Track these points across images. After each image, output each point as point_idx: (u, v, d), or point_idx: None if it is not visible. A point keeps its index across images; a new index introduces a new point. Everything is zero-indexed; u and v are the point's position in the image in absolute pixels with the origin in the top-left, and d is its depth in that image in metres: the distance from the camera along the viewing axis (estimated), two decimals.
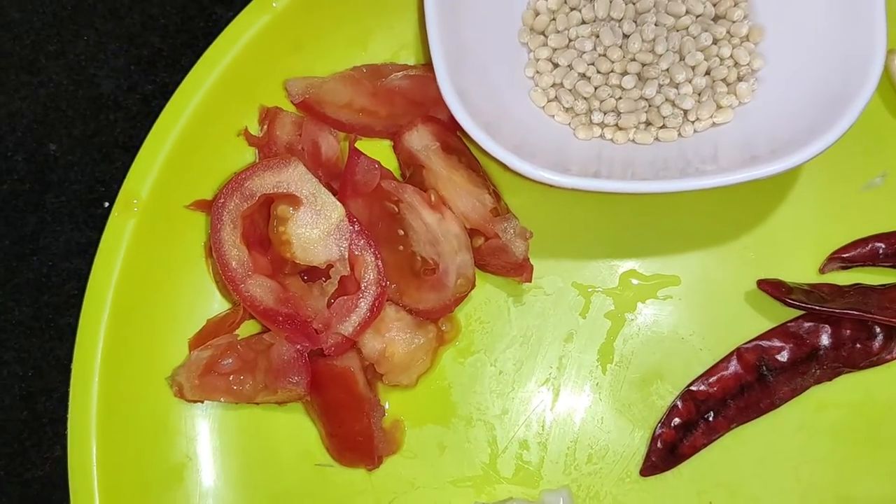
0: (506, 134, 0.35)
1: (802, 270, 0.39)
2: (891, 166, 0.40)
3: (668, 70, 0.38)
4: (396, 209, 0.37)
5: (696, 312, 0.39)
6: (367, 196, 0.37)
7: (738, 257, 0.39)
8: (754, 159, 0.35)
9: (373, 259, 0.35)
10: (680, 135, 0.38)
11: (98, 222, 0.40)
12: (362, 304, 0.35)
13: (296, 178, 0.35)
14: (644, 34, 0.38)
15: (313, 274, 0.36)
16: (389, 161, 0.40)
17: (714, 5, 0.39)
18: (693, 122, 0.38)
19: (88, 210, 0.42)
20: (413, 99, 0.39)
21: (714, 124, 0.38)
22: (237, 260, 0.34)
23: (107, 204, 0.42)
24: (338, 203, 0.35)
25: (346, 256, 0.35)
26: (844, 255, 0.38)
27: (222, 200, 0.35)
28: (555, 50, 0.39)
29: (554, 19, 0.39)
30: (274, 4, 0.39)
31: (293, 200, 0.35)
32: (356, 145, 0.39)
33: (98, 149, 0.43)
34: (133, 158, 0.39)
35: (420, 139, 0.37)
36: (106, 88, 0.43)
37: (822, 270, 0.39)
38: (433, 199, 0.36)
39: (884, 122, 0.40)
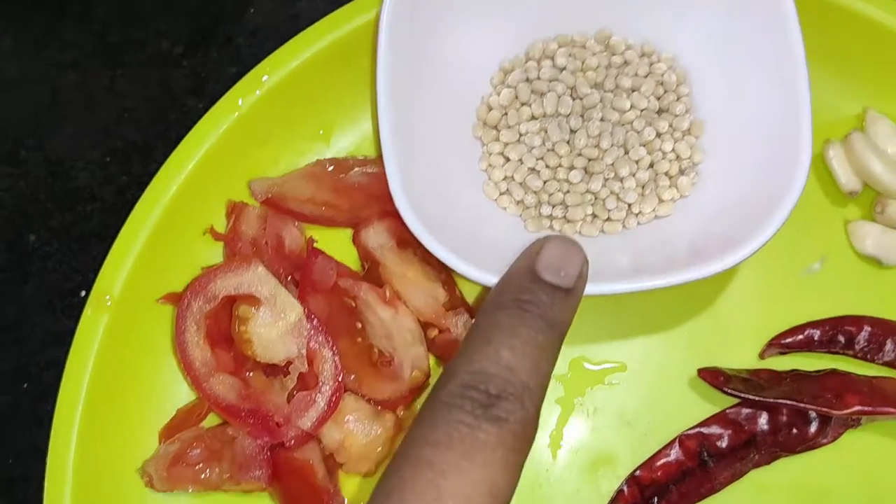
0: (454, 234, 0.37)
1: (744, 355, 0.41)
2: (830, 251, 0.42)
3: (612, 164, 0.40)
4: (354, 304, 0.39)
5: (643, 398, 0.40)
6: (325, 292, 0.39)
7: (684, 342, 0.41)
8: (695, 256, 0.36)
9: (330, 355, 0.37)
10: (624, 227, 0.40)
11: (75, 311, 0.42)
12: (320, 399, 0.37)
13: (256, 279, 0.37)
14: (590, 130, 0.40)
15: (274, 370, 0.38)
16: (352, 249, 0.42)
17: (658, 99, 0.41)
18: (637, 215, 0.40)
19: (66, 300, 0.44)
20: (372, 193, 0.41)
21: (657, 217, 0.40)
22: (200, 360, 0.36)
23: (83, 293, 0.44)
24: (296, 303, 0.37)
25: (305, 353, 0.37)
26: (782, 342, 0.40)
27: (185, 303, 0.37)
28: (506, 144, 0.41)
29: (506, 114, 0.41)
30: (240, 102, 0.41)
31: (254, 301, 0.37)
32: (317, 240, 0.41)
33: (75, 239, 0.45)
34: (108, 249, 0.41)
35: (375, 237, 0.39)
36: (83, 181, 0.45)
37: (762, 356, 0.40)
38: (388, 295, 0.38)
39: (822, 207, 0.42)
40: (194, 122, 0.42)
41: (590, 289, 0.36)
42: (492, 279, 0.35)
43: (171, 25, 0.47)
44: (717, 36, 0.40)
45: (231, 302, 0.38)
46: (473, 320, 0.32)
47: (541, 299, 0.30)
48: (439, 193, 0.39)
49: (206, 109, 0.42)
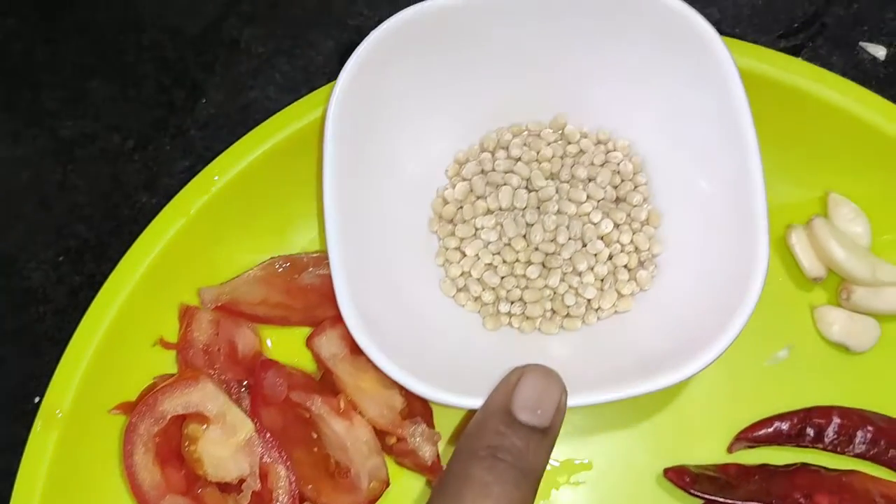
0: (408, 343, 0.36)
1: (712, 449, 0.40)
2: (797, 338, 0.41)
3: (570, 259, 0.39)
4: (308, 415, 0.38)
5: (609, 498, 0.39)
6: (278, 404, 0.38)
7: (650, 438, 0.40)
8: (660, 361, 0.35)
9: (284, 472, 0.36)
10: (584, 323, 0.39)
11: (29, 419, 0.41)
12: None
13: (204, 397, 0.36)
14: (545, 224, 0.39)
15: (228, 486, 0.37)
16: None
17: (615, 188, 0.40)
18: (596, 311, 0.39)
19: (20, 406, 0.43)
20: (326, 293, 0.40)
21: (617, 312, 0.39)
22: (149, 483, 0.35)
23: (37, 399, 0.43)
24: (247, 419, 0.36)
25: (257, 471, 0.36)
26: (750, 436, 0.39)
27: (132, 425, 0.36)
28: (462, 239, 0.40)
29: (461, 208, 0.41)
30: (192, 211, 0.40)
31: (203, 419, 0.36)
32: (271, 342, 0.40)
33: (28, 343, 0.44)
34: (61, 352, 0.40)
35: (327, 345, 0.38)
36: (35, 281, 0.44)
37: (730, 450, 0.39)
38: (342, 406, 0.37)
39: (788, 293, 0.41)
40: (148, 219, 0.41)
41: None
42: (447, 397, 0.34)
43: (123, 117, 0.46)
44: (672, 123, 0.39)
45: (181, 420, 0.37)
46: (447, 465, 0.31)
47: (516, 446, 0.29)
48: (392, 297, 0.38)
49: (159, 205, 0.41)
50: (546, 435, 0.31)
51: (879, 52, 0.44)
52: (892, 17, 0.45)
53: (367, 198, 0.38)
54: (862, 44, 0.44)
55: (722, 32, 0.44)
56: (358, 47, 0.36)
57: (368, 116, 0.38)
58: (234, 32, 0.46)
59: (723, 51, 0.36)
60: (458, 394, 0.34)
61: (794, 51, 0.45)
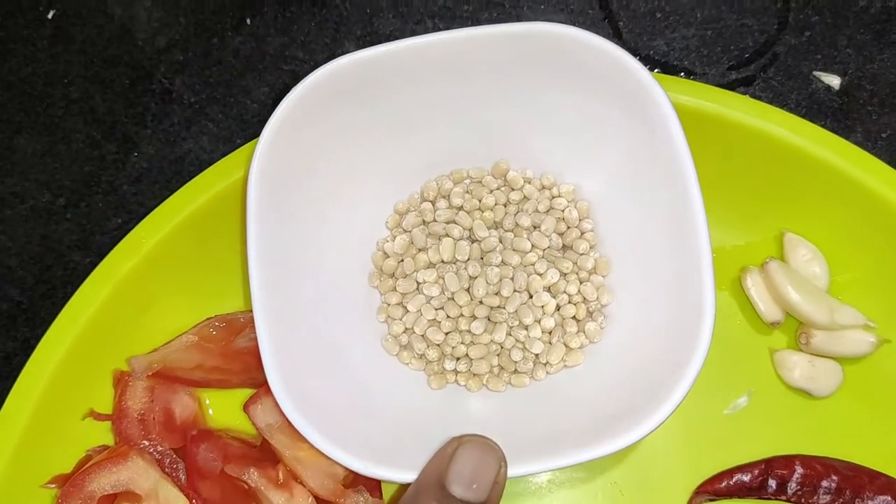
0: (343, 412, 0.34)
1: (673, 503, 0.38)
2: (756, 385, 0.39)
3: (516, 312, 0.38)
4: (247, 486, 0.36)
5: None
6: (215, 477, 0.36)
7: (608, 493, 0.38)
8: (612, 421, 0.33)
9: None
10: (533, 378, 0.38)
11: None
12: None
13: (134, 474, 0.35)
14: (489, 277, 0.38)
15: None
16: None
17: (560, 235, 0.39)
18: (545, 365, 0.38)
19: None
20: None
21: (566, 366, 0.38)
22: None
23: None
24: (180, 496, 0.35)
25: None
26: (711, 489, 0.37)
27: None
28: (404, 295, 0.39)
29: (402, 262, 0.39)
30: (120, 275, 0.39)
31: (134, 497, 0.34)
32: (210, 407, 0.38)
33: None
34: None
35: (262, 415, 0.36)
36: None
37: None
38: (281, 478, 0.35)
39: (746, 337, 0.40)
40: (81, 279, 0.39)
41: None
42: (383, 471, 0.33)
43: (52, 174, 0.44)
44: (615, 168, 0.38)
45: (112, 499, 0.35)
46: None
47: None
48: (329, 360, 0.36)
49: (92, 265, 0.39)
50: None
51: (834, 81, 0.43)
52: (845, 44, 0.43)
53: (299, 256, 0.36)
54: (816, 73, 0.43)
55: (669, 66, 0.43)
56: (280, 104, 0.35)
57: (296, 173, 0.36)
58: (166, 82, 0.44)
59: (658, 92, 0.34)
60: (397, 467, 0.33)
61: (745, 82, 0.43)
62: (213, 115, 0.44)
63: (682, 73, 0.43)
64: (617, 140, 0.37)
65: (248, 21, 0.45)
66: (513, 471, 0.32)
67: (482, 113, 0.38)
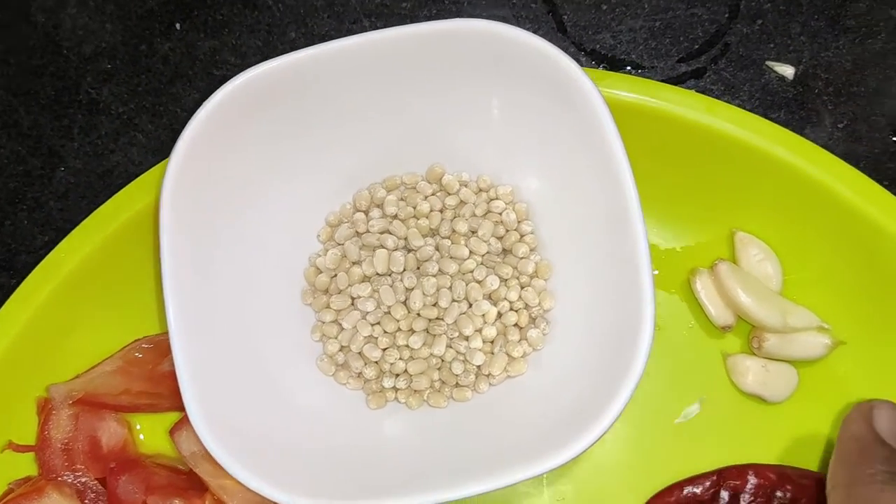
0: (275, 441, 0.33)
1: None
2: (708, 392, 0.38)
3: (455, 323, 0.36)
4: None
5: None
6: None
7: None
8: (551, 432, 0.32)
9: None
10: (476, 391, 0.36)
11: None
12: None
13: None
14: (425, 288, 0.36)
15: None
16: None
17: (500, 240, 0.37)
18: (487, 377, 0.36)
19: None
20: None
21: (509, 376, 0.36)
22: None
23: None
24: None
25: None
26: (661, 503, 0.36)
27: None
28: (339, 311, 0.37)
29: (335, 277, 0.37)
30: (41, 298, 0.37)
31: None
32: (141, 431, 0.37)
33: None
34: None
35: (187, 443, 0.35)
36: None
37: None
38: None
39: (698, 343, 0.38)
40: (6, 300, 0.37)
41: (443, 495, 0.31)
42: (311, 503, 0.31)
43: None
44: (551, 167, 0.36)
45: None
46: (836, 494, 0.31)
47: None
48: (258, 386, 0.34)
49: (18, 286, 0.38)
50: None
51: (787, 71, 0.41)
52: (799, 31, 0.41)
53: (221, 277, 0.35)
54: (769, 63, 0.41)
55: (616, 61, 0.42)
56: (193, 117, 0.33)
57: (213, 189, 0.34)
58: (93, 92, 0.43)
59: (589, 89, 0.32)
60: (333, 496, 0.31)
61: (695, 75, 0.41)
62: (142, 126, 0.42)
63: (629, 68, 0.42)
64: (553, 139, 0.35)
65: (178, 26, 0.43)
66: (458, 492, 0.31)
67: (413, 115, 0.37)
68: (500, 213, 0.37)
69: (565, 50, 0.41)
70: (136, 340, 0.38)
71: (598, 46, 0.42)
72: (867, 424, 0.31)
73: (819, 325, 0.36)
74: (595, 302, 0.34)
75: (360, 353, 0.36)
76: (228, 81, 0.33)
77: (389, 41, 0.34)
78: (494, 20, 0.34)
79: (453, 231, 0.37)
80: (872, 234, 0.35)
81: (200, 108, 0.33)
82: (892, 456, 0.30)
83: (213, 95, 0.33)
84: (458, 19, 0.34)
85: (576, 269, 0.36)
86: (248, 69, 0.33)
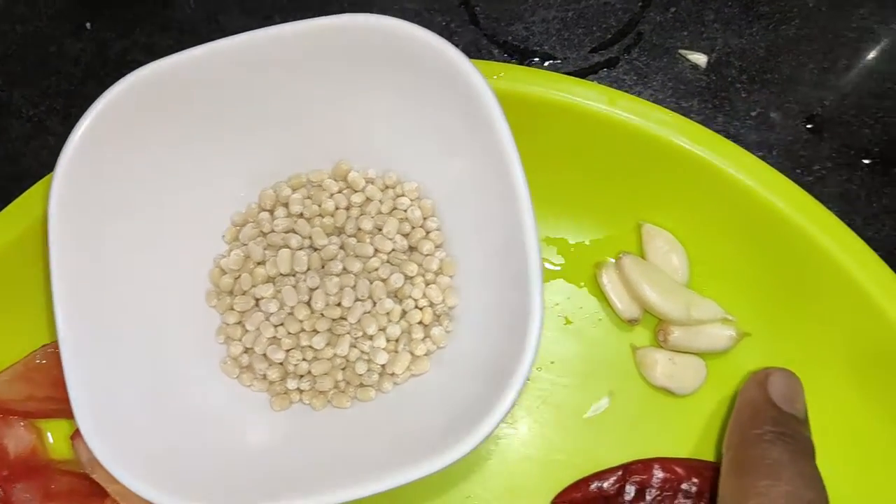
0: (172, 451, 0.33)
1: None
2: (617, 384, 0.37)
3: (359, 322, 0.36)
4: None
5: None
6: None
7: None
8: (448, 427, 0.32)
9: None
10: (380, 391, 0.36)
11: None
12: None
13: None
14: (328, 288, 0.36)
15: None
16: None
17: (406, 237, 0.37)
18: (392, 376, 0.36)
19: None
20: None
21: (413, 375, 0.36)
22: None
23: None
24: None
25: None
26: (567, 499, 0.36)
27: None
28: (242, 313, 0.37)
29: (239, 277, 0.37)
30: None
31: None
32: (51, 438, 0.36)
33: None
34: None
35: (85, 449, 0.34)
36: None
37: None
38: None
39: (608, 336, 0.38)
40: None
41: (344, 495, 0.31)
42: None
43: None
44: (451, 163, 0.35)
45: None
46: (727, 455, 0.32)
47: (796, 430, 0.32)
48: (155, 390, 0.34)
49: None
50: (806, 425, 0.32)
51: (700, 59, 0.41)
52: (712, 19, 0.41)
53: (120, 279, 0.34)
54: (682, 51, 0.41)
55: (529, 52, 0.41)
56: (79, 122, 0.32)
57: (108, 194, 0.34)
58: (3, 95, 0.42)
59: (478, 83, 0.32)
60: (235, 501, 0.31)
61: (608, 65, 0.41)
62: (53, 128, 0.42)
63: (540, 59, 0.41)
64: (451, 134, 0.35)
65: (89, 26, 0.43)
66: (359, 491, 0.30)
67: (316, 112, 0.36)
68: (406, 210, 0.37)
69: (477, 42, 0.41)
70: (43, 346, 0.38)
71: (510, 38, 0.41)
72: (761, 389, 0.33)
73: (724, 317, 0.36)
74: (493, 296, 0.34)
75: (263, 354, 0.36)
76: (112, 86, 0.32)
77: (280, 38, 0.33)
78: (406, 13, 0.33)
79: (359, 229, 0.37)
80: (777, 224, 0.35)
81: (85, 114, 0.32)
82: (781, 416, 0.32)
83: (95, 102, 0.33)
84: (346, 14, 0.33)
85: (478, 265, 0.36)
86: (133, 71, 0.33)
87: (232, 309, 0.37)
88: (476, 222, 0.35)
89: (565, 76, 0.36)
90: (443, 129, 0.35)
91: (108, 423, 0.31)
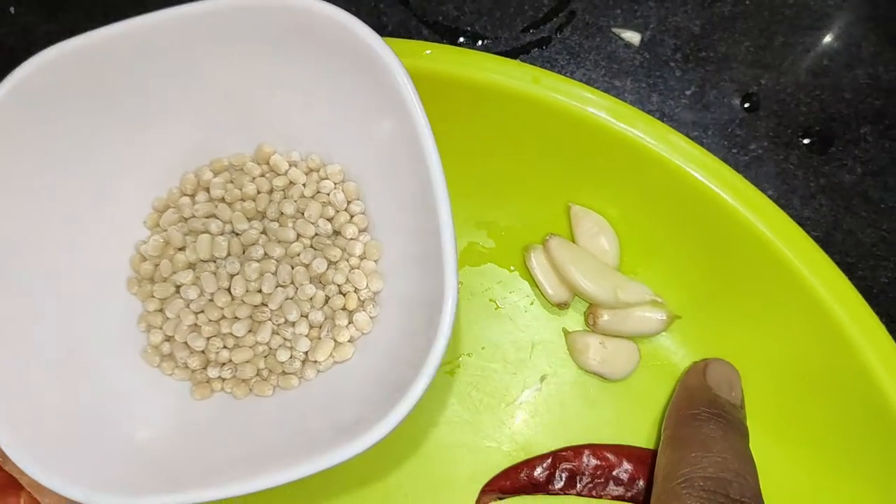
0: (84, 443, 0.32)
1: (461, 503, 0.36)
2: (550, 370, 0.37)
3: (280, 309, 0.35)
4: None
5: None
6: None
7: (392, 497, 0.36)
8: (375, 408, 0.31)
9: None
10: (303, 378, 0.35)
11: None
12: None
13: None
14: (247, 274, 0.35)
15: None
16: None
17: (330, 221, 0.36)
18: (315, 363, 0.35)
19: None
20: None
21: (336, 362, 0.35)
22: None
23: None
24: None
25: None
26: (497, 487, 0.35)
27: None
28: (163, 300, 0.36)
29: (159, 264, 0.36)
30: None
31: None
32: None
33: None
34: None
35: None
36: None
37: None
38: None
39: (540, 322, 0.37)
40: None
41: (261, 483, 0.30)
42: (118, 500, 0.30)
43: None
44: (373, 145, 0.35)
45: None
46: (665, 434, 0.33)
47: (730, 412, 0.32)
48: (69, 381, 0.33)
49: None
50: (742, 410, 0.33)
51: (634, 38, 0.40)
52: None
53: (30, 269, 0.33)
54: (615, 30, 0.40)
55: (460, 32, 0.40)
56: None
57: (20, 174, 0.33)
58: None
59: (390, 63, 0.31)
60: (138, 492, 0.30)
61: (540, 44, 0.40)
62: None
63: (471, 39, 0.40)
64: (370, 115, 0.34)
65: (12, 9, 0.42)
66: (278, 478, 0.29)
67: (237, 94, 0.35)
68: (329, 194, 0.36)
69: (407, 23, 0.40)
70: None
71: (441, 18, 0.40)
72: (700, 377, 0.34)
73: (653, 300, 0.35)
74: (414, 281, 0.33)
75: (184, 342, 0.35)
76: (15, 70, 0.31)
77: (186, 18, 0.32)
78: None
79: (281, 213, 0.36)
80: (709, 206, 0.34)
81: None
82: (716, 400, 0.33)
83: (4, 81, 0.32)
84: None
85: (401, 249, 0.35)
86: (39, 53, 0.32)
87: (152, 296, 0.36)
88: (399, 205, 0.35)
89: (490, 55, 0.35)
90: (361, 110, 0.34)
91: (16, 413, 0.31)
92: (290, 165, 0.36)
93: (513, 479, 0.35)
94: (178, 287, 0.36)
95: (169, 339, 0.36)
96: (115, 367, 0.35)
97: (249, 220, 0.36)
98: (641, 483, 0.34)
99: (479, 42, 0.40)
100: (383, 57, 0.31)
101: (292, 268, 0.35)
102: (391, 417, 0.29)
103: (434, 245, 0.31)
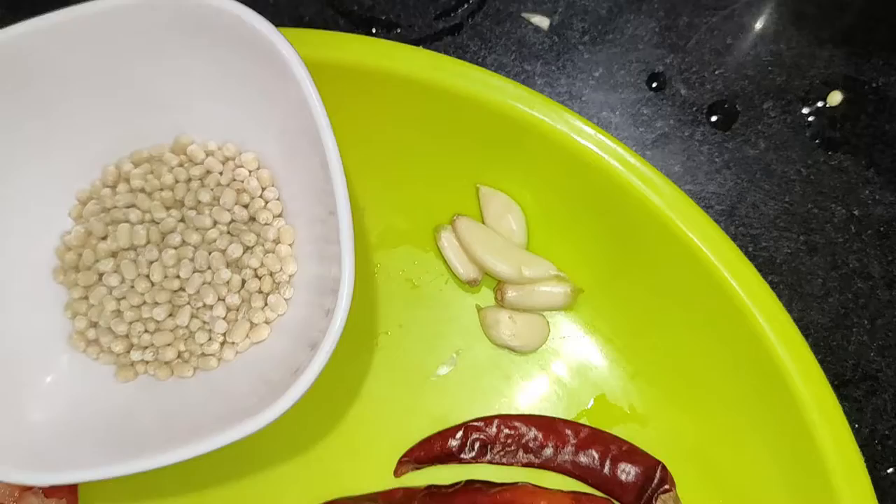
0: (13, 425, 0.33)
1: (381, 474, 0.37)
2: (463, 345, 0.38)
3: (198, 293, 0.36)
4: None
5: None
6: None
7: (315, 468, 0.37)
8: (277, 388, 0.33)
9: None
10: (222, 360, 0.36)
11: None
12: None
13: None
14: (164, 261, 0.36)
15: None
16: None
17: (246, 207, 0.37)
18: (232, 345, 0.36)
19: None
20: None
21: (253, 343, 0.36)
22: None
23: None
24: None
25: None
26: (412, 457, 0.36)
27: None
28: (86, 288, 0.37)
29: (82, 254, 0.37)
30: None
31: None
32: None
33: None
34: None
35: None
36: None
37: (396, 474, 0.37)
38: None
39: (454, 300, 0.38)
40: None
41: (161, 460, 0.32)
42: (39, 478, 0.32)
43: None
44: (279, 133, 0.36)
45: None
46: None
47: None
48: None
49: None
50: None
51: (543, 21, 0.41)
52: None
53: None
54: (524, 14, 0.41)
55: (374, 21, 0.41)
56: None
57: None
58: None
59: (287, 53, 0.32)
60: (66, 468, 0.32)
61: (452, 31, 0.41)
62: None
63: (386, 29, 0.41)
64: (274, 104, 0.35)
65: None
66: (184, 453, 0.31)
67: (150, 88, 0.36)
68: (244, 181, 0.37)
69: (323, 13, 0.42)
70: None
71: (356, 7, 0.42)
72: None
73: (556, 275, 0.36)
74: (322, 263, 0.35)
75: (108, 328, 0.37)
76: None
77: (94, 15, 0.34)
78: None
79: (198, 201, 0.37)
80: (609, 185, 0.35)
81: None
82: None
83: None
84: None
85: (311, 233, 0.36)
86: None
87: (76, 284, 0.37)
88: (306, 191, 0.36)
89: (394, 43, 0.37)
90: (267, 100, 0.35)
91: None
92: (207, 155, 0.38)
93: (427, 449, 0.36)
94: (100, 275, 0.37)
95: (94, 324, 0.37)
96: (41, 355, 0.36)
97: (168, 208, 0.37)
98: (549, 450, 0.36)
99: (394, 31, 0.41)
100: (279, 48, 0.32)
101: (209, 253, 0.36)
102: (286, 397, 0.31)
103: (334, 228, 0.33)
